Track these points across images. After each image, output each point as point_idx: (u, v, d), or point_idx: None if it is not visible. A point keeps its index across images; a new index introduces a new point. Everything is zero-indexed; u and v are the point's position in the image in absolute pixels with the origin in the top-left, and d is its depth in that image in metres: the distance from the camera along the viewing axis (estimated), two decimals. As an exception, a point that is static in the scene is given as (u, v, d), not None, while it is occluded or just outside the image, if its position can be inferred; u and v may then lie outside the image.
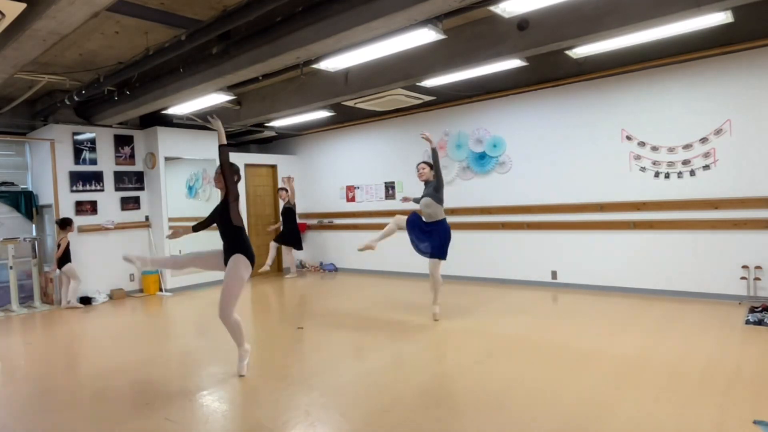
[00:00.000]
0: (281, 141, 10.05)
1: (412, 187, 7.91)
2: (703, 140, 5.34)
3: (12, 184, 7.07)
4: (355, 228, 8.75)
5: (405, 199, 5.54)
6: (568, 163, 6.29)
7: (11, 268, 6.56)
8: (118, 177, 7.53)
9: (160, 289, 7.58)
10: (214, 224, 3.77)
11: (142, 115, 7.49)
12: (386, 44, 4.39)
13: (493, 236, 7.02)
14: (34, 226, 7.17)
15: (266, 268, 8.29)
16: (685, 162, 5.46)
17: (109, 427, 2.94)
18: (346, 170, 8.89)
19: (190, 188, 8.26)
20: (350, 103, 6.62)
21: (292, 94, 6.70)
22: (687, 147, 5.44)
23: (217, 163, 3.71)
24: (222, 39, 4.68)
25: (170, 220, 7.64)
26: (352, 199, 8.80)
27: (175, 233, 4.01)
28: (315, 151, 9.42)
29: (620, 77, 5.81)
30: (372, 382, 3.48)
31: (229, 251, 3.64)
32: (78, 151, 7.10)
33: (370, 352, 4.17)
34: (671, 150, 5.54)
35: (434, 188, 4.94)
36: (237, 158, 8.67)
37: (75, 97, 5.85)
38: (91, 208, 7.20)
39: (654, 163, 5.65)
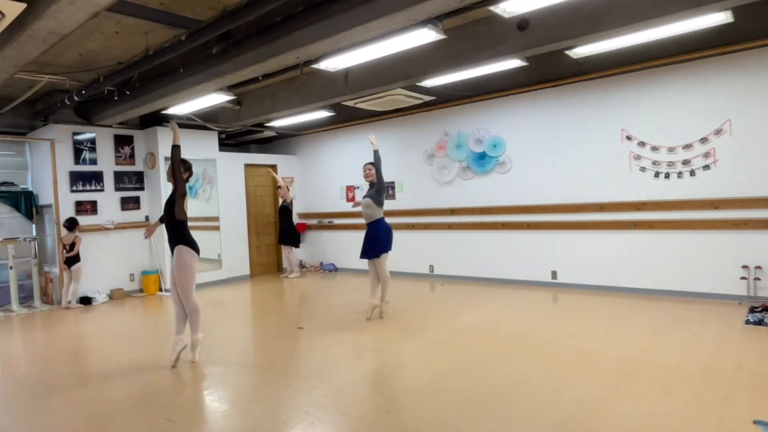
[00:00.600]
0: (281, 141, 10.05)
1: (413, 187, 7.92)
2: (703, 140, 5.34)
3: (12, 184, 7.07)
4: (355, 228, 8.74)
5: (355, 204, 5.69)
6: (568, 163, 6.29)
7: (11, 268, 6.56)
8: (118, 177, 7.53)
9: (160, 289, 7.58)
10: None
11: (142, 115, 7.50)
12: (386, 44, 4.39)
13: (493, 236, 7.03)
14: (34, 226, 7.17)
15: (296, 274, 8.48)
16: (685, 162, 5.46)
17: (109, 427, 2.94)
18: (346, 170, 8.89)
19: (190, 188, 8.24)
20: (350, 103, 6.62)
21: (292, 94, 6.70)
22: (687, 147, 5.44)
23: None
24: (222, 39, 4.68)
25: (170, 220, 7.63)
26: (352, 199, 8.80)
27: (149, 231, 4.32)
28: (315, 151, 9.42)
29: (620, 77, 5.81)
30: (372, 382, 3.48)
31: (172, 243, 3.98)
32: (78, 151, 7.11)
33: (370, 352, 4.17)
34: (671, 150, 5.54)
35: (376, 191, 5.15)
36: (237, 158, 8.69)
37: (75, 97, 5.85)
38: (91, 208, 7.20)
39: (654, 163, 5.65)
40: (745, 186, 5.13)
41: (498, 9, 3.86)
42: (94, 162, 7.27)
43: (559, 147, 6.35)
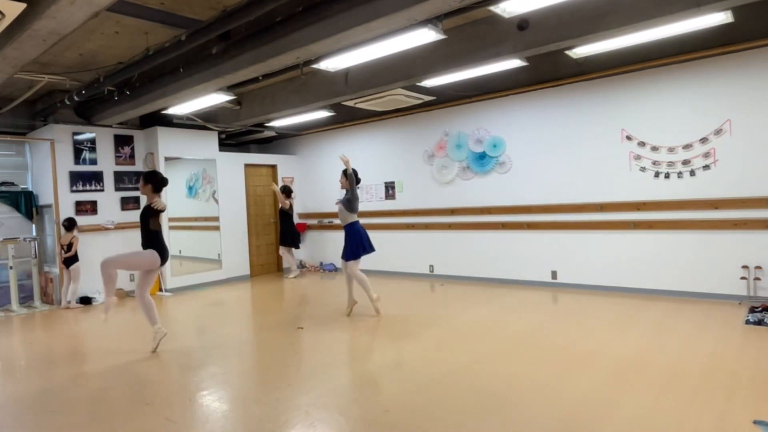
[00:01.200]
0: (281, 141, 10.05)
1: (413, 187, 7.93)
2: (703, 140, 5.34)
3: (12, 184, 7.07)
4: (355, 228, 8.75)
5: (336, 203, 5.85)
6: (568, 163, 6.29)
7: (11, 268, 6.56)
8: (118, 177, 7.53)
9: (160, 289, 7.58)
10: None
11: (142, 115, 7.50)
12: (386, 44, 4.38)
13: (493, 236, 7.02)
14: (34, 226, 7.17)
15: (296, 273, 8.48)
16: (685, 162, 5.46)
17: (109, 427, 2.94)
18: (346, 170, 8.88)
19: (190, 188, 8.25)
20: (350, 103, 6.62)
21: (292, 94, 6.70)
22: (687, 147, 5.44)
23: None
24: (222, 39, 4.68)
25: (170, 220, 7.64)
26: (352, 199, 8.79)
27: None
28: (315, 151, 9.42)
29: (620, 77, 5.81)
30: (372, 382, 3.48)
31: (144, 246, 4.45)
32: (78, 151, 7.11)
33: (370, 352, 4.17)
34: (671, 150, 5.54)
35: (348, 199, 5.40)
36: (237, 158, 8.69)
37: (75, 97, 5.85)
38: (91, 208, 7.20)
39: (654, 163, 5.65)
40: (745, 186, 5.13)
41: (498, 9, 3.86)
42: (94, 162, 7.26)
43: (559, 147, 6.35)
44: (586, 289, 6.18)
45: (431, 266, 7.74)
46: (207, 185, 8.24)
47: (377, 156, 8.39)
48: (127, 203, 7.61)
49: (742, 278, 5.16)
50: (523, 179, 6.69)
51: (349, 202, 5.40)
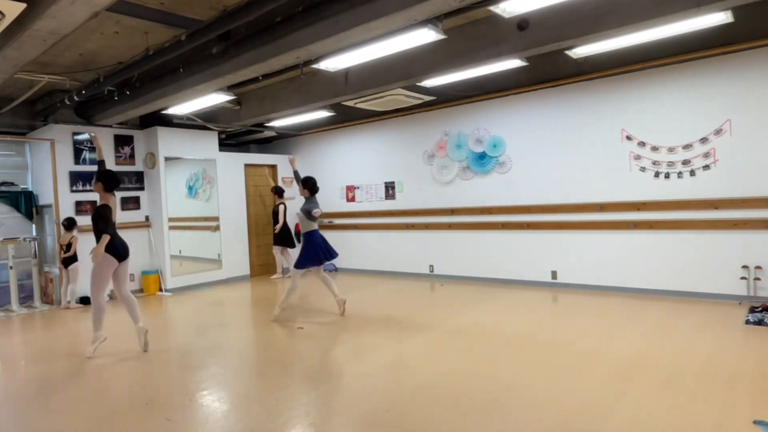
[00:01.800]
0: (281, 141, 10.05)
1: (413, 187, 7.93)
2: (703, 140, 5.34)
3: (12, 184, 7.07)
4: (355, 228, 8.75)
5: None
6: (568, 163, 6.29)
7: (11, 268, 6.56)
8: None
9: (160, 289, 7.58)
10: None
11: (142, 115, 7.50)
12: (386, 44, 4.38)
13: (493, 236, 7.02)
14: (34, 226, 7.17)
15: (278, 276, 8.43)
16: (685, 162, 5.46)
17: (109, 427, 2.94)
18: (346, 170, 8.89)
19: (190, 188, 8.25)
20: (350, 103, 6.62)
21: (292, 94, 6.70)
22: (687, 147, 5.44)
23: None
24: (222, 39, 4.68)
25: (170, 220, 7.64)
26: (352, 199, 8.80)
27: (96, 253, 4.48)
28: (315, 151, 9.42)
29: (620, 77, 5.81)
30: (372, 382, 3.48)
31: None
32: (78, 151, 7.11)
33: (370, 352, 4.17)
34: (671, 150, 5.54)
35: (307, 207, 5.40)
36: (237, 158, 8.69)
37: (75, 97, 5.85)
38: (91, 208, 7.20)
39: (654, 163, 5.65)
40: (745, 186, 5.13)
41: (498, 9, 3.86)
42: (94, 162, 7.26)
43: (559, 147, 6.35)
44: (586, 289, 6.17)
45: (431, 266, 7.74)
46: (207, 185, 8.24)
47: (377, 156, 8.39)
48: (126, 203, 7.61)
49: (742, 278, 5.16)
50: (523, 179, 6.69)
51: (308, 211, 5.40)
